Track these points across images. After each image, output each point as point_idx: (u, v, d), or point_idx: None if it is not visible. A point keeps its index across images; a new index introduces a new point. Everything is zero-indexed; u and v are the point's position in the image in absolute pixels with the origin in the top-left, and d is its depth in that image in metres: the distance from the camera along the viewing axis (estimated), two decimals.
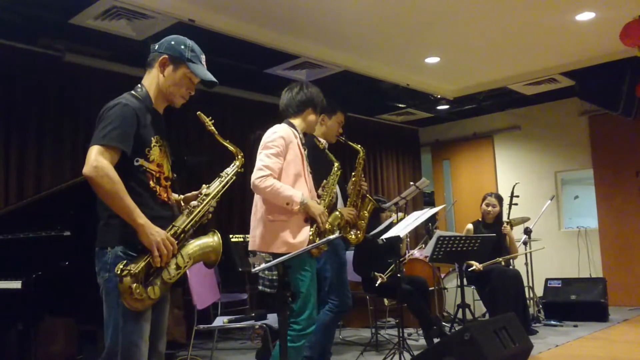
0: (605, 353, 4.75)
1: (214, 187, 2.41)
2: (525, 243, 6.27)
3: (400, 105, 8.13)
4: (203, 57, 2.41)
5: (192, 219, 2.29)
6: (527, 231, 6.26)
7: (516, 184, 6.26)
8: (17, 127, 5.05)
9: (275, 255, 2.94)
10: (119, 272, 2.04)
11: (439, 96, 7.54)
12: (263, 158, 3.06)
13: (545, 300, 6.44)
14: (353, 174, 4.02)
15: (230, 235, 5.78)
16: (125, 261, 2.08)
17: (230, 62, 5.76)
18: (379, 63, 6.41)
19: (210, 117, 2.49)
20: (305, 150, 3.28)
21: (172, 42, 2.35)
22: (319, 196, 3.30)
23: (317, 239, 3.04)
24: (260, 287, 4.45)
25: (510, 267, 5.80)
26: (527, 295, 5.82)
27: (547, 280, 6.63)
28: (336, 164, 3.49)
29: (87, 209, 3.43)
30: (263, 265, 2.49)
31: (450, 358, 3.32)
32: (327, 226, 3.12)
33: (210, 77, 2.37)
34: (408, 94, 7.39)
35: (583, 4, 5.06)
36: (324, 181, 3.42)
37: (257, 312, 4.24)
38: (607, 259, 7.54)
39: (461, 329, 3.56)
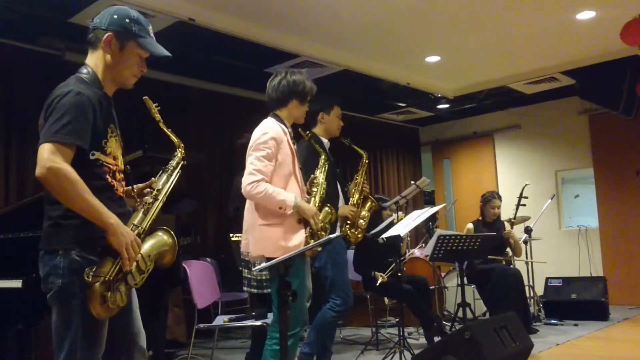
0: (606, 352, 4.75)
1: (163, 183, 2.19)
2: (525, 242, 6.27)
3: (400, 104, 8.13)
4: (150, 29, 2.16)
5: (150, 218, 2.09)
6: (528, 230, 6.27)
7: (526, 185, 6.28)
8: (17, 127, 5.05)
9: (271, 259, 2.89)
10: (89, 278, 1.85)
11: (439, 95, 7.54)
12: (254, 161, 2.94)
13: (545, 299, 6.44)
14: (356, 176, 4.03)
15: (230, 234, 5.78)
16: (94, 266, 1.89)
17: (230, 61, 5.76)
18: (379, 62, 6.41)
19: (157, 104, 2.21)
20: (294, 144, 3.18)
21: (115, 16, 2.07)
22: (309, 193, 3.21)
23: (311, 240, 2.98)
24: (245, 288, 4.43)
25: (511, 266, 5.81)
26: (527, 294, 5.83)
27: (547, 279, 6.63)
28: (322, 156, 3.38)
29: None
30: (264, 264, 2.48)
31: (450, 357, 3.32)
32: (320, 225, 3.04)
33: (163, 51, 2.13)
34: (408, 93, 7.39)
35: (583, 3, 5.05)
36: (312, 175, 3.30)
37: (257, 311, 4.23)
38: (607, 257, 7.54)
39: (461, 328, 3.56)
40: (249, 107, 6.79)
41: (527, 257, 6.23)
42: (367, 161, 4.08)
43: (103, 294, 1.87)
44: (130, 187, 2.17)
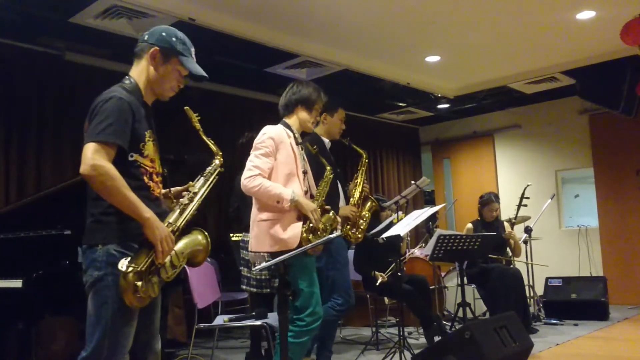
0: (606, 352, 4.75)
1: (200, 186, 2.35)
2: (525, 242, 6.27)
3: (400, 104, 8.13)
4: (193, 50, 2.35)
5: (185, 217, 2.24)
6: (528, 230, 6.27)
7: (528, 185, 6.28)
8: (17, 126, 5.05)
9: (273, 255, 2.95)
10: (124, 268, 2.00)
11: (439, 95, 7.54)
12: (252, 159, 3.09)
13: (545, 298, 6.44)
14: (355, 175, 4.04)
15: (231, 234, 5.78)
16: (129, 257, 2.03)
17: (231, 61, 5.76)
18: (380, 62, 6.41)
19: (197, 114, 2.41)
20: (302, 149, 3.28)
21: (163, 34, 2.28)
22: (312, 196, 3.29)
23: (311, 236, 3.04)
24: (244, 287, 4.44)
25: (511, 265, 5.82)
26: (527, 294, 5.83)
27: (547, 279, 6.63)
28: (328, 168, 3.48)
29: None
30: (264, 264, 2.49)
31: (450, 357, 3.32)
32: (321, 225, 3.10)
33: (201, 71, 2.32)
34: (408, 92, 7.39)
35: (583, 2, 5.05)
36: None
37: (257, 311, 4.24)
38: (607, 257, 7.54)
39: (462, 327, 3.56)
40: (249, 107, 6.80)
41: (527, 258, 6.23)
42: (367, 161, 4.09)
43: (135, 284, 2.00)
44: (167, 189, 2.34)
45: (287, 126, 3.27)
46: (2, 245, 3.42)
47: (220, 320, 4.27)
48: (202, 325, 4.17)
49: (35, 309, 3.18)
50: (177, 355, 4.84)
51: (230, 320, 4.18)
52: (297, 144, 3.25)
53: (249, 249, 3.18)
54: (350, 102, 7.17)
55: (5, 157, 4.96)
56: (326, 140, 3.98)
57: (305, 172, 3.26)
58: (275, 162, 3.11)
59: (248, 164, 3.09)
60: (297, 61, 5.93)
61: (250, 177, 3.02)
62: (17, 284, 3.08)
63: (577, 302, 6.25)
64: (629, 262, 7.36)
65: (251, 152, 3.14)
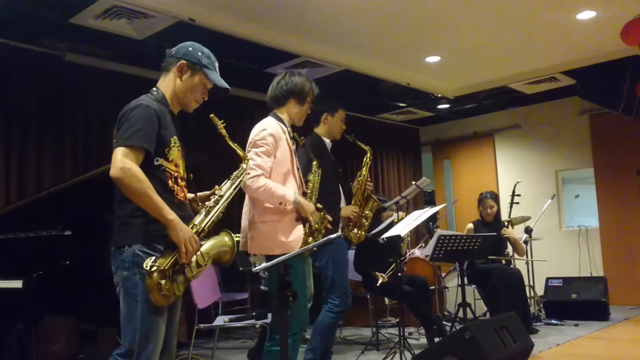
0: (606, 352, 4.75)
1: (226, 189, 2.44)
2: (526, 242, 6.27)
3: (400, 105, 8.13)
4: (217, 64, 2.48)
5: (210, 219, 2.34)
6: (528, 230, 6.27)
7: (517, 182, 6.26)
8: (18, 127, 5.04)
9: (271, 257, 2.90)
10: (147, 267, 2.09)
11: (439, 95, 7.54)
12: (253, 157, 2.95)
13: (546, 299, 6.44)
14: (359, 173, 4.03)
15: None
16: (153, 257, 2.12)
17: (231, 62, 5.74)
18: (380, 62, 6.41)
19: (222, 121, 2.51)
20: (294, 144, 3.20)
21: (190, 49, 2.42)
22: (304, 193, 3.22)
23: (310, 238, 3.01)
24: (262, 287, 4.48)
25: (512, 265, 5.81)
26: (527, 294, 5.83)
27: (547, 279, 6.63)
28: (314, 163, 3.39)
29: (87, 208, 3.44)
30: (264, 265, 2.49)
31: (451, 357, 3.32)
32: (316, 226, 3.07)
33: (224, 84, 2.45)
34: (409, 93, 7.39)
35: (584, 2, 5.05)
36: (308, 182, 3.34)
37: (257, 311, 4.24)
38: (607, 257, 7.53)
39: (462, 328, 3.56)
40: (249, 107, 6.79)
41: (527, 257, 6.22)
42: (371, 157, 4.06)
43: (159, 282, 2.11)
44: (194, 194, 2.44)
45: (280, 120, 3.16)
46: (2, 245, 3.42)
47: (220, 320, 4.27)
48: (202, 325, 4.18)
49: (35, 309, 3.17)
50: (177, 355, 4.83)
51: (231, 320, 4.19)
52: (291, 138, 3.17)
53: (248, 251, 3.12)
54: (351, 102, 7.17)
55: (6, 157, 4.95)
56: (327, 141, 3.96)
57: (298, 168, 3.20)
58: (274, 160, 3.01)
59: (249, 162, 3.02)
60: (297, 61, 5.93)
61: (254, 178, 2.89)
62: (17, 284, 3.08)
63: (578, 303, 6.25)
64: (629, 262, 7.35)
65: (250, 148, 3.02)
